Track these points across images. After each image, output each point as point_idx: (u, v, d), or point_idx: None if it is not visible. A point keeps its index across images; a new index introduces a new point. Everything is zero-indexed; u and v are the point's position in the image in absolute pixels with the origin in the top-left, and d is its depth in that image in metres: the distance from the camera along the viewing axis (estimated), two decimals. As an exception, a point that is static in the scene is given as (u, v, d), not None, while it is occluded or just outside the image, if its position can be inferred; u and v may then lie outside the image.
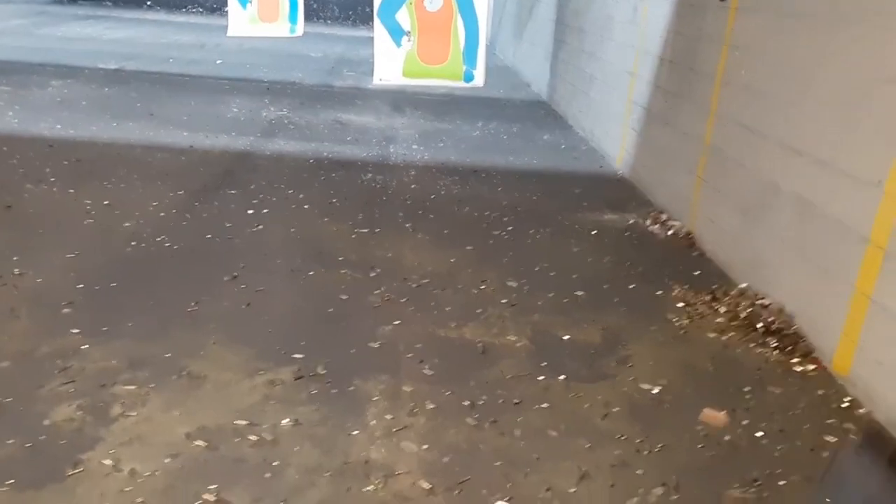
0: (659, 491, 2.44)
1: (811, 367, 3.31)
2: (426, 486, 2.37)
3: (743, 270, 4.18)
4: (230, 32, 13.81)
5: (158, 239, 4.24)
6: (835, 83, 3.44)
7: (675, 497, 2.42)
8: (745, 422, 2.87)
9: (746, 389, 3.11)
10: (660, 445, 2.68)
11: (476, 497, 2.35)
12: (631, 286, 4.12)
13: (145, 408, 2.66)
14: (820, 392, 3.13)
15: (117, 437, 2.49)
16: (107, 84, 8.70)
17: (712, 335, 3.58)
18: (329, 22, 19.14)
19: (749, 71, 4.28)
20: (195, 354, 3.05)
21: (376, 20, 9.56)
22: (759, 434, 2.80)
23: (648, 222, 5.24)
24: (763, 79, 4.11)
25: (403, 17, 9.46)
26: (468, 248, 4.52)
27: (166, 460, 2.39)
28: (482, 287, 3.95)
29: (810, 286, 3.50)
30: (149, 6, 18.90)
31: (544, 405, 2.89)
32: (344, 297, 3.71)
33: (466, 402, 2.86)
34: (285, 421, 2.65)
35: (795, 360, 3.36)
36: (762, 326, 3.59)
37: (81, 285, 3.58)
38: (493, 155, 6.91)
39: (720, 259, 4.51)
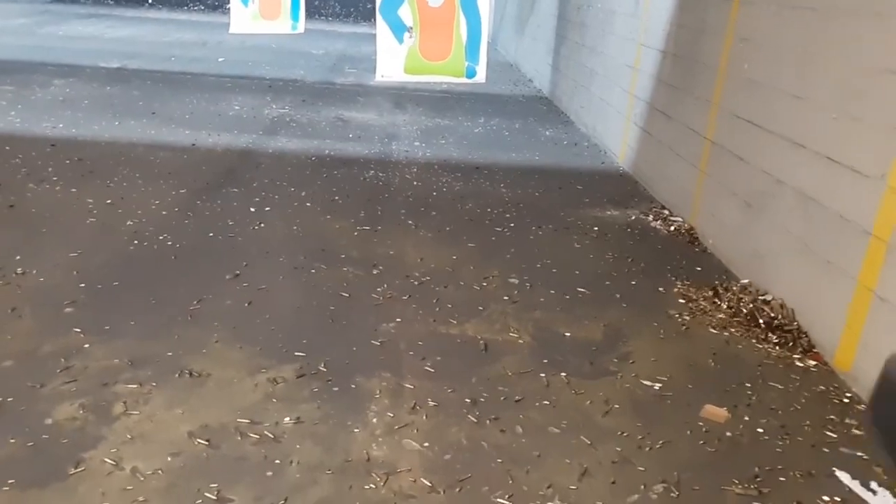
0: (660, 487, 2.44)
1: (813, 362, 3.31)
2: (427, 483, 2.37)
3: (745, 265, 4.17)
4: (232, 30, 13.81)
5: (161, 237, 4.24)
6: (838, 75, 3.43)
7: (677, 494, 2.42)
8: (746, 418, 2.87)
9: (748, 385, 3.11)
10: (661, 442, 2.68)
11: (477, 494, 2.35)
12: (633, 282, 4.11)
13: (147, 406, 2.67)
14: (821, 388, 3.13)
15: (119, 435, 2.49)
16: (109, 83, 8.71)
17: (714, 331, 3.58)
18: (330, 19, 19.15)
19: (752, 64, 4.26)
20: (197, 353, 3.05)
21: (378, 16, 9.54)
22: (761, 430, 2.80)
23: (650, 218, 5.23)
24: (766, 71, 4.09)
25: (405, 13, 9.45)
26: (470, 244, 4.52)
27: (168, 459, 2.40)
28: (484, 284, 3.95)
29: (812, 281, 3.49)
30: (150, 4, 18.92)
31: (546, 402, 2.89)
32: (346, 294, 3.71)
33: (468, 400, 2.86)
34: (287, 419, 2.65)
35: (797, 355, 3.36)
36: (764, 322, 3.58)
37: (84, 284, 3.59)
38: (495, 151, 6.91)
39: (722, 254, 4.50)
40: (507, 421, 2.74)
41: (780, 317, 3.61)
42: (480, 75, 9.66)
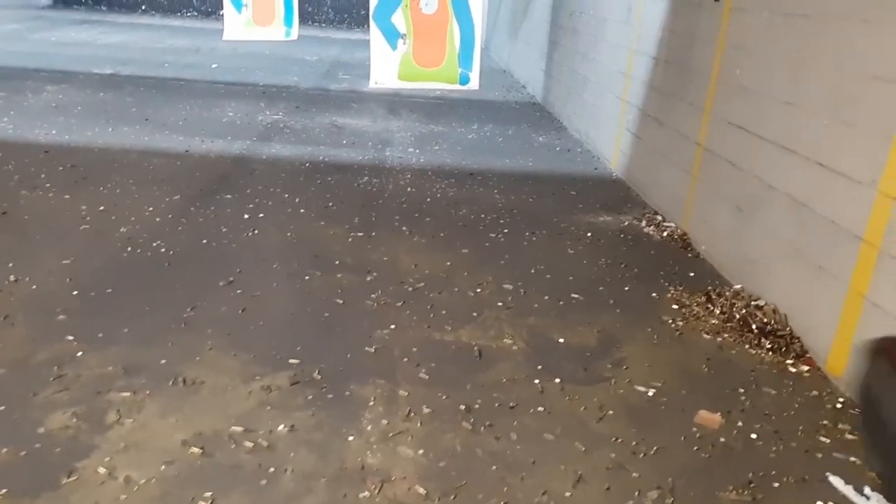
0: (654, 494, 2.44)
1: (805, 367, 3.32)
2: (422, 491, 2.37)
3: (737, 271, 4.19)
4: (226, 36, 13.78)
5: (154, 244, 4.24)
6: (828, 82, 3.45)
7: (671, 500, 2.42)
8: (740, 423, 2.88)
9: (741, 391, 3.12)
10: (655, 448, 2.69)
11: (472, 501, 2.35)
12: (626, 288, 4.13)
13: (141, 414, 2.66)
14: (814, 393, 3.14)
15: (113, 444, 2.49)
16: (102, 89, 8.69)
17: (707, 336, 3.59)
18: (324, 25, 19.16)
19: (743, 70, 4.29)
20: (191, 360, 3.05)
21: (372, 23, 9.56)
22: (754, 436, 2.81)
23: (643, 224, 5.25)
24: (758, 78, 4.12)
25: (399, 20, 9.47)
26: (464, 250, 4.52)
27: (162, 467, 2.39)
28: (478, 290, 3.95)
29: (804, 286, 3.51)
30: (143, 10, 18.90)
31: (540, 409, 2.89)
32: (340, 301, 3.71)
33: (462, 406, 2.86)
34: (281, 426, 2.65)
35: (790, 360, 3.38)
36: (757, 327, 3.60)
37: (77, 291, 3.58)
38: (489, 157, 6.92)
39: (715, 260, 4.52)
40: (502, 427, 2.75)
41: (772, 322, 3.63)
42: (474, 82, 9.72)
